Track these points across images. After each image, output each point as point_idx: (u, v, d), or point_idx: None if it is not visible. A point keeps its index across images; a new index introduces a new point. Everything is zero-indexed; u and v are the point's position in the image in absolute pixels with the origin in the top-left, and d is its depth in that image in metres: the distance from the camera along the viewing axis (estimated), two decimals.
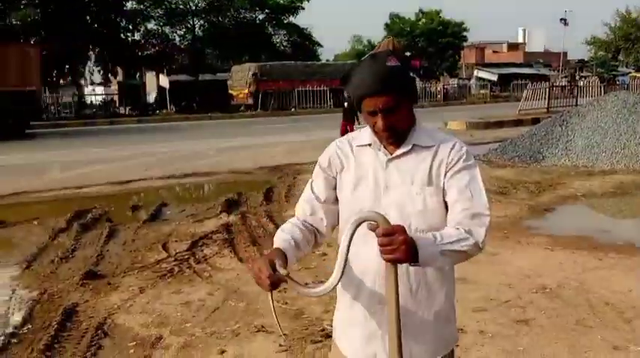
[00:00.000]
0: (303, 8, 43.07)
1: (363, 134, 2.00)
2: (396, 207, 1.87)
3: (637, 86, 33.10)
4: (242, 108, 34.14)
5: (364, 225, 1.76)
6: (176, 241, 7.26)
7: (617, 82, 41.43)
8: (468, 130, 19.91)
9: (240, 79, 34.84)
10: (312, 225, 2.06)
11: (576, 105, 23.11)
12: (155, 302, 5.18)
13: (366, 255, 1.89)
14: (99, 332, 4.49)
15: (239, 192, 10.41)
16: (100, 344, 4.30)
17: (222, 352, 4.15)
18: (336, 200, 2.02)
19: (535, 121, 19.10)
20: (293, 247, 1.95)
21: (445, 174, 1.89)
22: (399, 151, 1.91)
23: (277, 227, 7.66)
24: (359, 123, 15.25)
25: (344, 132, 14.52)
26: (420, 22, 52.40)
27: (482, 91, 46.14)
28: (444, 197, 1.89)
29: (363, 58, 1.94)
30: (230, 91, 35.76)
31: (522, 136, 14.64)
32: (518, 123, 21.64)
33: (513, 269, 5.74)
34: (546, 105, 26.05)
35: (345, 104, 15.85)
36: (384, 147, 1.93)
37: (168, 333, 4.49)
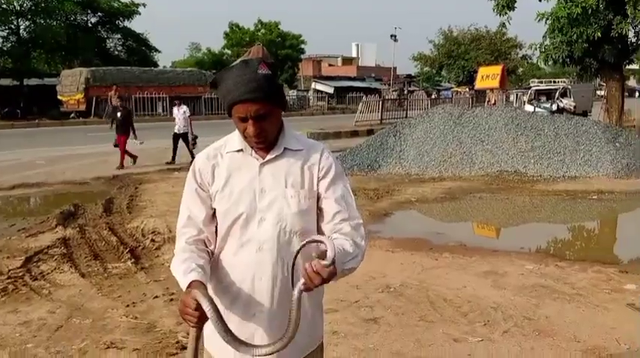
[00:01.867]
0: (139, 13, 41.65)
1: (233, 140, 2.00)
2: (272, 209, 1.90)
3: (459, 99, 36.04)
4: (73, 114, 32.17)
5: (244, 232, 1.81)
6: (8, 257, 6.70)
7: (441, 96, 44.90)
8: None
9: (71, 84, 32.80)
10: (204, 245, 2.00)
11: (406, 116, 24.76)
12: None
13: (245, 261, 1.90)
14: None
15: (75, 203, 9.83)
16: None
17: None
18: (214, 214, 1.99)
19: (370, 132, 20.15)
20: (204, 274, 1.88)
21: (318, 181, 1.96)
22: (270, 155, 1.95)
23: (120, 239, 7.32)
24: (134, 137, 14.66)
25: (123, 148, 14.12)
26: (260, 33, 52.90)
27: (319, 103, 47.70)
28: (317, 202, 1.96)
29: (233, 64, 1.93)
30: (59, 97, 33.58)
31: (360, 146, 15.35)
32: (354, 134, 22.68)
33: (359, 271, 5.97)
34: (379, 117, 27.55)
35: (119, 114, 14.83)
36: (255, 152, 1.96)
37: (7, 356, 4.14)
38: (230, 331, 1.73)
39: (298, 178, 1.95)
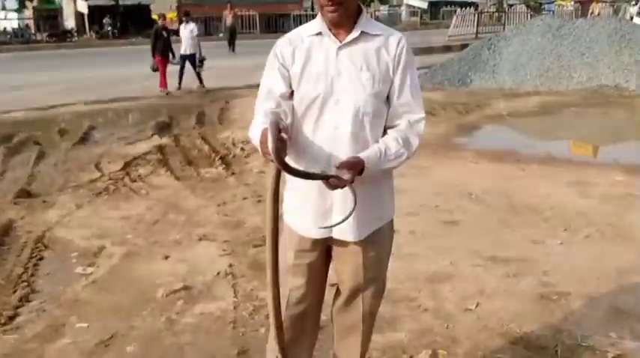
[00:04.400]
0: None
1: (313, 24, 2.04)
2: (347, 91, 1.95)
3: (562, 13, 33.93)
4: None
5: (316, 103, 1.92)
6: (109, 162, 7.17)
7: (544, 10, 42.26)
8: None
9: (164, 2, 33.41)
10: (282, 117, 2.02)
11: (504, 30, 23.62)
12: (93, 217, 5.19)
13: (322, 140, 1.97)
14: (39, 244, 4.49)
15: (170, 115, 10.28)
16: (41, 255, 4.30)
17: (166, 257, 4.24)
18: (292, 94, 2.04)
19: (464, 47, 19.40)
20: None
21: (393, 67, 1.99)
22: (348, 38, 1.98)
23: (212, 148, 7.64)
24: (174, 59, 13.45)
25: (164, 75, 13.18)
26: None
27: (412, 19, 46.13)
28: (390, 86, 2.00)
29: None
30: (154, 16, 34.34)
31: (451, 60, 14.92)
32: (447, 49, 21.92)
33: (442, 179, 6.03)
34: (475, 32, 26.44)
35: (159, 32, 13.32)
36: (334, 35, 2.00)
37: (110, 244, 4.53)
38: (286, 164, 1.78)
39: (374, 63, 1.97)
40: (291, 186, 2.14)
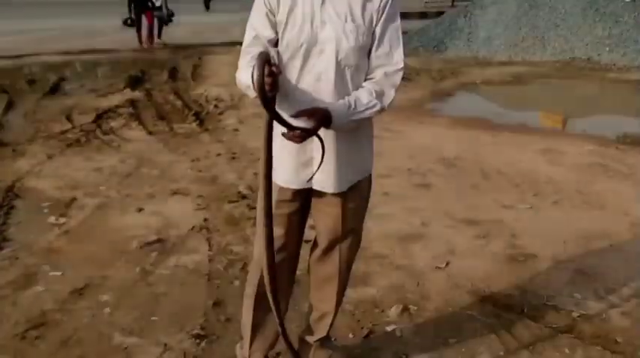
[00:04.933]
0: None
1: None
2: (331, 41, 1.95)
3: None
4: None
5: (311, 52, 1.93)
6: (80, 114, 7.08)
7: None
8: None
9: None
10: None
11: None
12: (65, 168, 5.13)
13: (305, 89, 1.97)
14: (9, 193, 4.44)
15: (142, 69, 10.13)
16: (12, 204, 4.26)
17: (140, 210, 4.23)
18: (277, 41, 2.03)
19: (440, 15, 19.37)
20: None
21: (377, 19, 1.99)
22: None
23: (185, 104, 7.58)
24: (154, 10, 13.27)
25: (150, 28, 12.98)
26: None
27: None
28: (372, 39, 2.00)
29: None
30: None
31: (427, 27, 14.92)
32: (423, 15, 21.86)
33: (416, 143, 6.08)
34: None
35: None
36: None
37: (82, 195, 4.50)
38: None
39: (359, 14, 1.97)
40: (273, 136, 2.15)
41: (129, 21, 12.91)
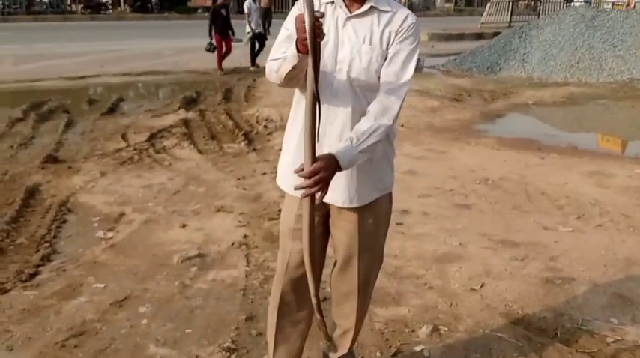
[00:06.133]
0: None
1: None
2: (346, 61, 2.03)
3: (598, 3, 33.22)
4: (200, 9, 33.07)
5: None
6: (135, 133, 7.33)
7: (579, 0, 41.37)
8: (430, 41, 19.91)
9: None
10: None
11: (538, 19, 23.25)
12: (116, 184, 5.34)
13: (323, 101, 2.05)
14: (63, 208, 4.65)
15: (197, 91, 10.42)
16: (64, 218, 4.46)
17: (184, 226, 4.37)
18: None
19: (496, 35, 19.20)
20: None
21: (393, 41, 2.06)
22: (357, 11, 2.06)
23: (236, 124, 7.76)
24: (233, 36, 13.16)
25: (221, 54, 12.96)
26: None
27: (446, 4, 45.61)
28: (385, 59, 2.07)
29: None
30: None
31: (481, 48, 14.81)
32: (479, 36, 21.70)
33: (460, 164, 6.05)
34: (508, 20, 26.08)
35: (218, 11, 12.93)
36: (346, 6, 2.07)
37: (131, 211, 4.68)
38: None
39: (377, 37, 2.04)
40: (286, 146, 2.23)
41: (211, 47, 13.08)
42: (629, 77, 12.16)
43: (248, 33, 13.56)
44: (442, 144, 6.80)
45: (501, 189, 5.23)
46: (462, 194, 5.09)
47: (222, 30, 12.97)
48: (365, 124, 1.99)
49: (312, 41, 1.71)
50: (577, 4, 25.75)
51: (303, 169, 1.85)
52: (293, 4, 2.24)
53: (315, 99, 1.82)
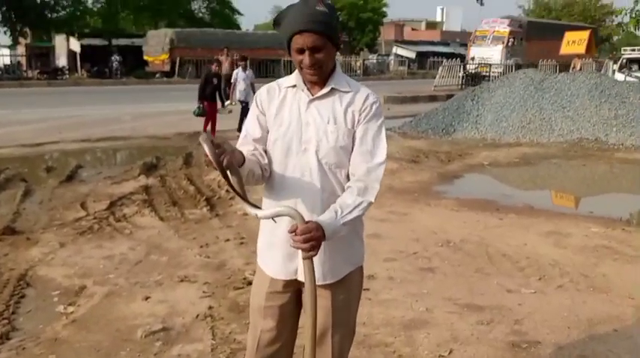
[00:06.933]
0: None
1: (290, 77, 2.21)
2: (312, 142, 2.10)
3: (545, 66, 34.73)
4: (158, 74, 33.32)
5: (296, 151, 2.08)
6: (94, 201, 7.23)
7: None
8: (386, 104, 20.39)
9: (156, 44, 33.88)
10: (258, 156, 2.16)
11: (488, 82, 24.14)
12: (76, 256, 5.23)
13: (291, 185, 2.10)
14: (21, 282, 4.52)
15: (157, 156, 10.40)
16: (23, 293, 4.34)
17: (147, 298, 4.29)
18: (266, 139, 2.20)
19: (449, 97, 19.83)
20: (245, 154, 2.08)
21: (358, 121, 2.14)
22: (319, 93, 2.14)
23: (198, 190, 7.68)
24: (223, 106, 13.49)
25: (209, 121, 12.91)
26: None
27: (400, 68, 47.02)
28: (353, 139, 2.14)
29: (294, 3, 2.12)
30: (145, 57, 34.83)
31: (436, 110, 15.25)
32: (432, 98, 22.40)
33: (421, 226, 6.14)
34: (460, 83, 27.00)
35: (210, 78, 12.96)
36: (308, 89, 2.15)
37: (92, 283, 4.58)
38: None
39: (341, 117, 2.12)
40: (263, 227, 2.26)
41: (200, 110, 13.00)
42: (579, 137, 12.66)
43: (229, 104, 13.78)
44: (403, 206, 6.90)
45: (463, 252, 5.31)
46: (425, 257, 5.15)
47: (210, 96, 12.99)
48: (349, 198, 2.04)
49: (220, 169, 1.90)
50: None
51: (296, 229, 1.90)
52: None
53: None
